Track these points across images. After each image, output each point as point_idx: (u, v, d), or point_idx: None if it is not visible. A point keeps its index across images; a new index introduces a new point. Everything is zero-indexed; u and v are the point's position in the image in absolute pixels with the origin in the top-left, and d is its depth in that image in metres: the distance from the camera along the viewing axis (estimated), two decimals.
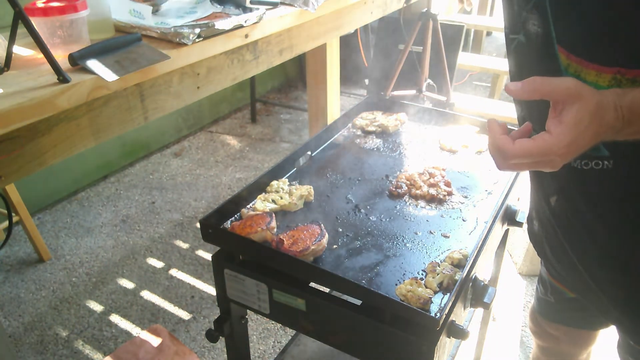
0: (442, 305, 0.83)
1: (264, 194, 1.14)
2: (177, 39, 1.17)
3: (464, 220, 1.06)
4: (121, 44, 1.11)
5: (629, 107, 0.58)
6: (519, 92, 0.60)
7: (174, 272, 2.40)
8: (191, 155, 3.46)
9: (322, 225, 0.99)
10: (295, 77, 4.56)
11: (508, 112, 3.30)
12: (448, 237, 1.01)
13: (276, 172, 1.20)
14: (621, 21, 0.63)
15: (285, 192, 1.13)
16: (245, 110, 4.09)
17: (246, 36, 1.33)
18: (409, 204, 1.13)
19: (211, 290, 2.29)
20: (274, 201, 1.10)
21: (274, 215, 1.04)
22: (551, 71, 0.73)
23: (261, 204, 1.09)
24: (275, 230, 1.01)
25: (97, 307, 2.20)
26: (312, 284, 0.93)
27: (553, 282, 1.13)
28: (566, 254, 0.94)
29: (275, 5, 1.45)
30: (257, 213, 1.04)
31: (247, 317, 1.14)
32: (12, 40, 0.99)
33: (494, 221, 1.04)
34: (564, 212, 0.88)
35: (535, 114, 0.81)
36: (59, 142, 1.00)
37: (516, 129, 0.66)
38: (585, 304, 1.02)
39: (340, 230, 1.03)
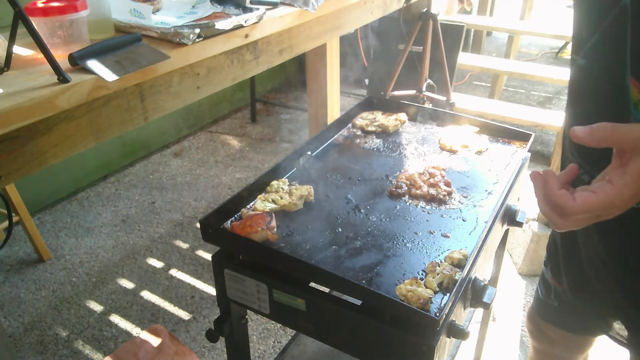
0: (442, 305, 0.83)
1: (264, 194, 1.14)
2: (177, 39, 1.17)
3: (464, 220, 1.06)
4: (121, 44, 1.11)
5: None
6: (587, 139, 0.55)
7: (174, 272, 2.40)
8: (191, 155, 3.46)
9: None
10: (295, 77, 4.56)
11: (507, 112, 3.30)
12: (448, 237, 1.01)
13: (276, 172, 1.20)
14: None
15: (285, 192, 1.13)
16: (245, 110, 4.09)
17: (246, 36, 1.33)
18: (409, 204, 1.13)
19: (211, 290, 2.29)
20: (274, 201, 1.10)
21: (273, 215, 1.04)
22: (615, 104, 0.67)
23: (261, 204, 1.09)
24: (275, 230, 1.01)
25: (97, 307, 2.20)
26: (312, 284, 0.93)
27: (556, 285, 1.12)
28: (578, 257, 0.93)
29: (275, 5, 1.45)
30: (257, 213, 1.04)
31: (247, 317, 1.14)
32: (12, 40, 0.99)
33: (494, 221, 1.04)
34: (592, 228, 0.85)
35: (589, 153, 0.75)
36: (59, 142, 1.00)
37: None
38: (586, 309, 1.02)
39: (340, 230, 1.03)
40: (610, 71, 0.67)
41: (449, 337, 0.88)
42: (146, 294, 2.26)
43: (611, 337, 1.03)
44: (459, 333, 0.87)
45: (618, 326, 1.00)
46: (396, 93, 2.99)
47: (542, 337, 1.26)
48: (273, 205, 1.09)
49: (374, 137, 1.42)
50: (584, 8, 0.72)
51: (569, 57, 0.77)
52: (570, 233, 0.95)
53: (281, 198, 1.11)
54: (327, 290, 0.97)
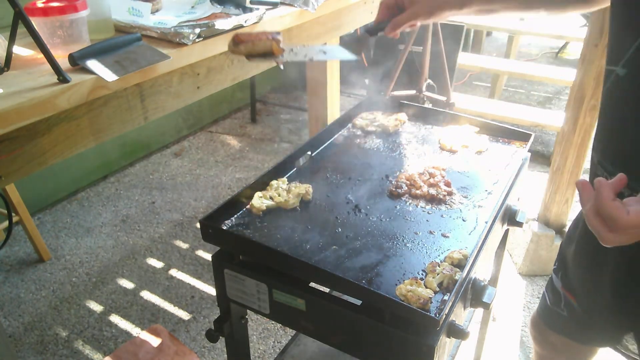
0: (442, 305, 0.83)
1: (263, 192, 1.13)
2: (177, 39, 1.17)
3: (464, 220, 1.06)
4: (121, 44, 1.11)
5: None
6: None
7: (174, 272, 2.40)
8: (191, 155, 3.46)
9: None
10: (295, 77, 4.56)
11: (507, 112, 3.30)
12: (448, 237, 1.01)
13: (276, 172, 1.20)
14: None
15: (284, 190, 1.13)
16: (245, 110, 4.08)
17: None
18: (409, 204, 1.13)
19: (211, 290, 2.29)
20: (271, 198, 1.10)
21: (281, 32, 0.99)
22: None
23: (258, 200, 1.09)
24: (281, 43, 0.97)
25: (97, 307, 2.20)
26: (312, 284, 0.93)
27: (567, 295, 1.11)
28: (600, 273, 0.92)
29: (275, 5, 1.45)
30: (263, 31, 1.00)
31: (247, 317, 1.14)
32: (12, 40, 0.99)
33: (494, 221, 1.04)
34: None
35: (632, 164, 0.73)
36: (59, 142, 1.00)
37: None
38: (598, 322, 1.01)
39: (340, 230, 1.03)
40: None
41: (449, 337, 0.88)
42: (146, 294, 2.26)
43: (618, 350, 1.03)
44: (459, 333, 0.87)
45: (627, 340, 0.99)
46: (396, 93, 2.99)
47: (545, 344, 1.25)
48: (270, 202, 1.09)
49: (374, 137, 1.42)
50: (621, 18, 0.72)
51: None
52: (586, 246, 0.95)
53: (279, 195, 1.11)
54: (327, 290, 0.97)
